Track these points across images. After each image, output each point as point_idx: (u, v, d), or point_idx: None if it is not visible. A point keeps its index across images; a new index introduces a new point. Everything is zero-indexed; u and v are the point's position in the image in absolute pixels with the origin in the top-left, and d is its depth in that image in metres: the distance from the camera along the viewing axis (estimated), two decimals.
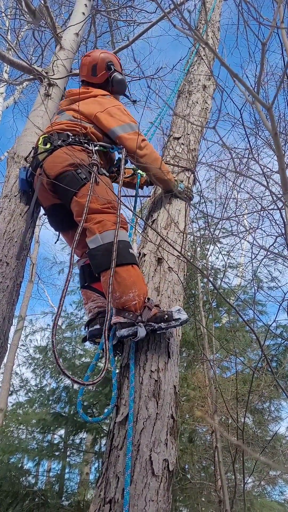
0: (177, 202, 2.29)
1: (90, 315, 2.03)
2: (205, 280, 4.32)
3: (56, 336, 1.50)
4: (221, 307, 5.49)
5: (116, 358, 1.79)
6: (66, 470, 5.88)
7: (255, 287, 4.62)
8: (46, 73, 2.99)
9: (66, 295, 1.56)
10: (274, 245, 2.21)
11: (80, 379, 1.46)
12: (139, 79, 3.93)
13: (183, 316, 1.71)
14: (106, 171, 2.12)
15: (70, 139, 2.05)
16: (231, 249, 5.63)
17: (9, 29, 8.05)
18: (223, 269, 5.19)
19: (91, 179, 1.89)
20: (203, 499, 4.49)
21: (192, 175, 2.49)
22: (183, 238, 2.18)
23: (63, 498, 5.45)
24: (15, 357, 8.11)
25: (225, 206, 2.46)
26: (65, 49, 3.23)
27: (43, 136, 2.11)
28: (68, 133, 2.08)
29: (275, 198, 1.52)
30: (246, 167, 2.32)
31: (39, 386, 6.81)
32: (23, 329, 8.54)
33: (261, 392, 4.14)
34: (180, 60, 3.44)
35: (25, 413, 6.31)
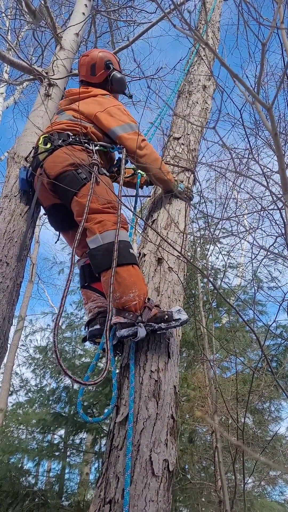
0: (177, 202, 2.29)
1: (90, 315, 2.03)
2: (205, 280, 4.32)
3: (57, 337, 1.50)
4: (221, 307, 5.49)
5: (116, 358, 1.79)
6: (66, 470, 5.88)
7: (255, 287, 4.62)
8: (46, 73, 2.99)
9: (66, 295, 1.56)
10: (274, 245, 2.21)
11: (80, 379, 1.46)
12: (139, 79, 3.93)
13: (183, 316, 1.71)
14: (107, 171, 2.12)
15: (71, 139, 2.05)
16: (231, 249, 5.63)
17: (9, 29, 8.06)
18: (223, 269, 5.19)
19: (92, 179, 1.89)
20: (203, 499, 4.49)
21: (192, 175, 2.49)
22: (183, 238, 2.18)
23: (63, 498, 5.45)
24: (15, 357, 8.12)
25: (225, 206, 2.46)
26: (65, 49, 3.23)
27: (44, 136, 2.11)
28: (69, 132, 2.08)
29: (275, 198, 1.52)
30: (246, 167, 2.32)
31: (39, 386, 6.81)
32: (23, 329, 8.54)
33: (261, 392, 4.14)
34: (180, 60, 3.44)
35: (25, 413, 6.30)
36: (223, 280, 5.15)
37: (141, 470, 1.41)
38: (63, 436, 5.84)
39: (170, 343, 1.75)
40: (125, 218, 1.94)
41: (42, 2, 3.28)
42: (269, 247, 2.12)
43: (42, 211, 2.32)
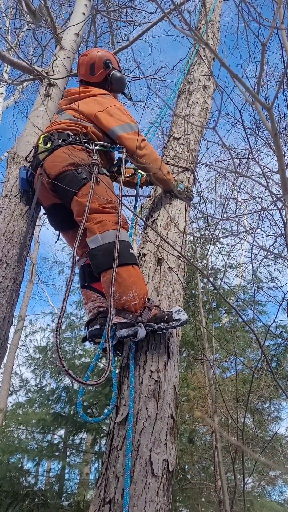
0: (177, 202, 2.29)
1: (90, 315, 2.03)
2: (205, 280, 4.32)
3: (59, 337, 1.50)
4: (221, 307, 5.49)
5: (116, 358, 1.79)
6: (66, 470, 5.88)
7: (255, 287, 4.62)
8: (46, 73, 2.99)
9: (68, 295, 1.56)
10: (274, 245, 2.21)
11: (81, 379, 1.45)
12: (139, 79, 3.93)
13: (183, 316, 1.70)
14: (107, 171, 2.12)
15: (71, 139, 2.05)
16: (231, 249, 5.63)
17: (9, 29, 8.06)
18: (223, 269, 5.19)
19: (92, 179, 1.89)
20: (203, 500, 4.49)
21: (192, 175, 2.49)
22: (183, 238, 2.18)
23: (63, 498, 5.45)
24: (15, 357, 8.12)
25: (225, 206, 2.46)
26: (65, 49, 3.23)
27: (44, 135, 2.10)
28: (69, 132, 2.08)
29: (275, 198, 1.52)
30: (246, 168, 2.32)
31: (39, 386, 6.81)
32: (23, 329, 8.54)
33: (261, 392, 4.14)
34: (180, 60, 3.44)
35: (25, 413, 6.30)
36: (223, 280, 5.15)
37: (141, 470, 1.41)
38: (63, 436, 5.84)
39: (170, 343, 1.75)
40: (125, 218, 1.94)
41: (42, 2, 3.28)
42: (269, 247, 2.12)
43: (42, 211, 2.32)
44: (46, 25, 3.50)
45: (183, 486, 4.28)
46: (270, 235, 2.12)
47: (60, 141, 2.03)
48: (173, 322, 1.67)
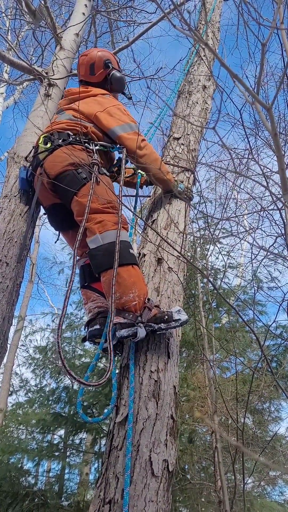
0: (177, 203, 2.29)
1: (90, 315, 2.03)
2: (205, 280, 4.32)
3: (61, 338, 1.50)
4: (221, 308, 5.48)
5: (116, 359, 1.79)
6: (66, 471, 5.88)
7: (255, 287, 4.62)
8: (46, 73, 2.99)
9: (69, 296, 1.56)
10: (274, 245, 2.21)
11: (82, 380, 1.45)
12: (139, 79, 3.93)
13: (183, 316, 1.70)
14: (107, 171, 2.12)
15: (71, 139, 2.05)
16: (231, 249, 5.63)
17: (9, 29, 8.06)
18: (223, 269, 5.19)
19: (92, 179, 1.89)
20: (203, 500, 4.49)
21: (192, 175, 2.49)
22: (183, 239, 2.18)
23: (62, 499, 5.45)
24: (15, 357, 8.11)
25: (225, 206, 2.46)
26: (65, 49, 3.23)
27: (44, 135, 2.10)
28: (69, 132, 2.08)
29: (275, 198, 1.52)
30: (246, 168, 2.33)
31: (39, 386, 6.81)
32: (23, 329, 8.54)
33: (261, 392, 4.14)
34: (180, 60, 3.43)
35: (25, 413, 6.30)
36: (223, 280, 5.15)
37: (141, 470, 1.40)
38: (63, 436, 5.84)
39: (169, 343, 1.75)
40: (125, 218, 1.94)
41: (42, 2, 3.28)
42: (269, 248, 2.12)
43: (42, 211, 2.32)
44: (46, 25, 3.50)
45: (183, 486, 4.28)
46: (270, 235, 2.13)
47: (60, 141, 2.03)
48: (173, 322, 1.67)
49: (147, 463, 1.42)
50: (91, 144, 2.09)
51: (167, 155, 2.55)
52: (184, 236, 2.19)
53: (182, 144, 2.58)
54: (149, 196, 2.64)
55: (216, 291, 4.45)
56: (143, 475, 1.40)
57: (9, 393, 7.66)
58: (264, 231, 2.14)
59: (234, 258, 6.41)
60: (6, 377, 7.70)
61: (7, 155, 2.53)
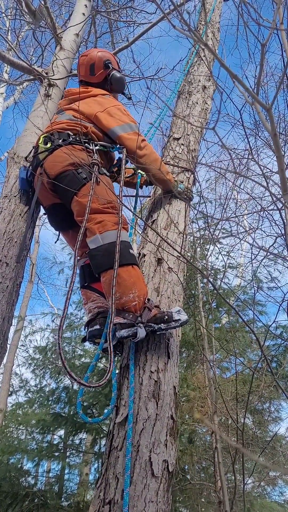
0: (177, 203, 2.29)
1: (90, 315, 2.03)
2: (205, 280, 4.32)
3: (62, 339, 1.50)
4: (221, 308, 5.48)
5: (116, 359, 1.79)
6: (66, 471, 5.88)
7: (255, 287, 4.62)
8: (46, 73, 2.99)
9: (70, 297, 1.56)
10: (274, 245, 2.21)
11: (82, 380, 1.45)
12: (139, 80, 3.93)
13: (183, 317, 1.70)
14: (107, 171, 2.12)
15: (71, 139, 2.05)
16: (231, 249, 5.63)
17: (9, 30, 8.06)
18: (223, 269, 5.19)
19: (92, 179, 1.89)
20: (203, 500, 4.48)
21: (192, 175, 2.49)
22: (183, 239, 2.18)
23: (62, 499, 5.45)
24: (15, 357, 8.11)
25: (225, 206, 2.46)
26: (65, 50, 3.23)
27: (44, 135, 2.10)
28: (69, 132, 2.08)
29: (274, 198, 1.52)
30: (246, 168, 2.33)
31: (38, 386, 6.80)
32: (22, 329, 8.54)
33: (261, 392, 4.14)
34: (180, 60, 3.43)
35: (25, 413, 6.30)
36: (223, 280, 5.15)
37: (141, 470, 1.40)
38: (62, 437, 5.84)
39: (169, 343, 1.75)
40: (125, 219, 1.94)
41: (42, 2, 3.28)
42: (269, 248, 2.12)
43: (42, 211, 2.32)
44: (46, 26, 3.50)
45: (183, 486, 4.28)
46: (270, 235, 2.13)
47: (60, 141, 2.03)
48: (173, 323, 1.67)
49: (147, 464, 1.42)
50: (91, 144, 2.09)
51: (167, 155, 2.55)
52: (184, 236, 2.19)
53: (182, 144, 2.58)
54: (149, 196, 2.64)
55: (216, 291, 4.45)
56: (143, 475, 1.40)
57: (9, 393, 7.66)
58: (264, 231, 2.14)
59: (234, 258, 6.41)
60: (6, 377, 7.70)
61: (7, 155, 2.53)
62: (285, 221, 1.65)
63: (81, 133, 2.07)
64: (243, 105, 1.86)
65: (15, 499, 4.53)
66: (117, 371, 1.75)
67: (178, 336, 1.88)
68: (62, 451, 5.63)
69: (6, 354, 2.85)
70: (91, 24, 4.30)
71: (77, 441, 5.90)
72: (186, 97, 2.91)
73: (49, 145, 2.04)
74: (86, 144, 2.06)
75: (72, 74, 3.17)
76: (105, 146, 2.16)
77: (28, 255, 2.29)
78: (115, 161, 2.36)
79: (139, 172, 2.57)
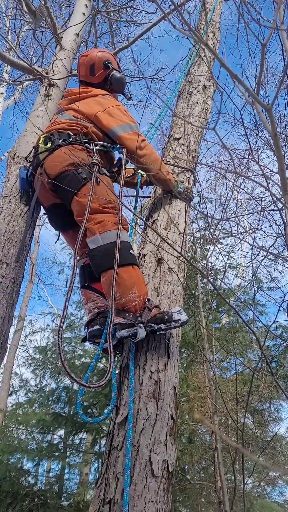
0: (177, 203, 2.29)
1: (90, 316, 2.03)
2: (205, 280, 4.32)
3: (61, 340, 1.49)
4: (221, 308, 5.48)
5: (116, 359, 1.79)
6: (66, 471, 5.88)
7: (255, 287, 4.62)
8: (47, 73, 2.99)
9: (69, 298, 1.56)
10: (274, 245, 2.21)
11: (82, 380, 1.45)
12: (139, 80, 3.93)
13: (183, 317, 1.70)
14: (107, 171, 2.12)
15: (71, 139, 2.05)
16: (231, 249, 5.63)
17: (9, 30, 8.06)
18: (223, 269, 5.18)
19: (92, 179, 1.89)
20: (203, 500, 4.49)
21: (192, 175, 2.49)
22: (183, 239, 2.18)
23: (62, 499, 5.45)
24: (15, 357, 8.11)
25: (225, 206, 2.46)
26: (65, 50, 3.23)
27: (44, 135, 2.10)
28: (69, 132, 2.08)
29: (275, 199, 1.52)
30: (246, 168, 2.33)
31: (38, 386, 6.80)
32: (23, 329, 8.53)
33: (261, 392, 4.14)
34: (181, 60, 3.43)
35: (25, 413, 6.30)
36: (223, 280, 5.15)
37: (141, 470, 1.40)
38: (62, 436, 5.84)
39: (169, 343, 1.75)
40: (125, 219, 1.94)
41: (42, 2, 3.28)
42: (269, 248, 2.12)
43: (42, 211, 2.32)
44: (46, 25, 3.50)
45: (183, 486, 4.28)
46: (270, 236, 2.13)
47: (60, 141, 2.03)
48: (173, 323, 1.67)
49: (147, 464, 1.42)
50: (91, 144, 2.09)
51: (167, 155, 2.55)
52: (184, 236, 2.19)
53: (182, 144, 2.58)
54: (149, 197, 2.64)
55: (216, 292, 4.45)
56: (143, 475, 1.40)
57: (9, 393, 7.65)
58: (264, 232, 2.14)
59: (234, 259, 6.41)
60: (6, 377, 7.69)
61: (7, 155, 2.53)
62: (285, 221, 1.65)
63: (81, 133, 2.07)
64: (243, 105, 1.86)
65: (15, 498, 4.54)
66: (117, 371, 1.75)
67: (178, 336, 1.88)
68: (62, 451, 5.63)
69: (6, 354, 2.85)
70: (91, 24, 4.30)
71: (77, 441, 5.91)
72: (187, 97, 2.91)
73: (49, 145, 2.04)
74: (86, 144, 2.06)
75: (72, 74, 3.17)
76: (105, 146, 2.16)
77: (28, 255, 2.29)
78: (115, 161, 2.36)
79: (139, 172, 2.56)
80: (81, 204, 1.87)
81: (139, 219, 2.46)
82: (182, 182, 2.36)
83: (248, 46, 2.01)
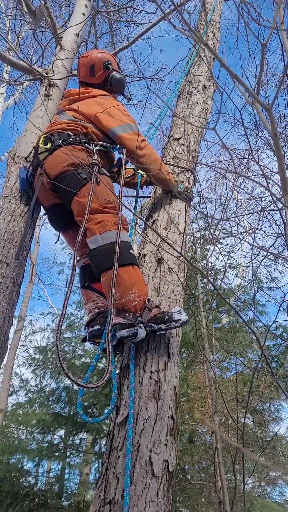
0: (177, 203, 2.29)
1: (90, 316, 2.03)
2: (205, 280, 4.32)
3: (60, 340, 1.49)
4: (221, 308, 5.48)
5: (116, 359, 1.79)
6: (66, 471, 5.88)
7: (255, 287, 4.62)
8: (47, 73, 2.99)
9: (68, 298, 1.55)
10: (274, 245, 2.21)
11: (80, 379, 1.45)
12: (139, 80, 3.93)
13: (183, 317, 1.70)
14: (107, 171, 2.12)
15: (71, 139, 2.05)
16: (231, 249, 5.63)
17: (9, 30, 8.06)
18: (223, 269, 5.18)
19: (92, 179, 1.89)
20: (203, 500, 4.49)
21: (192, 175, 2.49)
22: (183, 239, 2.18)
23: (63, 499, 5.45)
24: (15, 357, 8.11)
25: (225, 206, 2.46)
26: (65, 50, 3.23)
27: (44, 135, 2.11)
28: (69, 132, 2.08)
29: (275, 199, 1.52)
30: (246, 168, 2.33)
31: (39, 386, 6.80)
32: (23, 329, 8.54)
33: (261, 392, 4.14)
34: (181, 60, 3.43)
35: (25, 413, 6.30)
36: (223, 280, 5.15)
37: (141, 470, 1.41)
38: (63, 437, 5.84)
39: (170, 343, 1.75)
40: (125, 219, 1.94)
41: (42, 2, 3.28)
42: (269, 248, 2.12)
43: (42, 211, 2.32)
44: (46, 26, 3.50)
45: (183, 486, 4.28)
46: (270, 236, 2.13)
47: (60, 141, 2.03)
48: (173, 323, 1.67)
49: (148, 464, 1.42)
50: (91, 144, 2.09)
51: (167, 155, 2.55)
52: (184, 236, 2.19)
53: (182, 144, 2.58)
54: (149, 197, 2.64)
55: (216, 292, 4.45)
56: (144, 475, 1.40)
57: (9, 393, 7.65)
58: (264, 232, 2.14)
59: (234, 259, 6.41)
60: (6, 377, 7.69)
61: (8, 155, 2.53)
62: (285, 221, 1.64)
63: (81, 134, 2.08)
64: (243, 105, 1.86)
65: (16, 499, 4.54)
66: (117, 371, 1.75)
67: (179, 336, 1.88)
68: (62, 451, 5.63)
69: (7, 354, 2.85)
70: (91, 24, 4.31)
71: (77, 441, 5.91)
72: (187, 97, 2.91)
73: (49, 145, 2.04)
74: (86, 144, 2.07)
75: (72, 74, 3.17)
76: (105, 147, 2.16)
77: (28, 255, 2.29)
78: (115, 162, 2.36)
79: (139, 172, 2.56)
80: (81, 204, 1.87)
81: (139, 219, 2.46)
82: (182, 182, 2.36)
83: (248, 46, 2.01)
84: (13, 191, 2.28)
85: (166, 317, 1.67)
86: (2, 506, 4.47)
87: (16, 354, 8.15)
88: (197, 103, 2.87)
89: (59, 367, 5.98)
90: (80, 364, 5.81)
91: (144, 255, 2.07)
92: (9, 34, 8.08)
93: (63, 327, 6.61)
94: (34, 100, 3.04)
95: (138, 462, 1.42)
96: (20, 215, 2.21)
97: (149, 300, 1.74)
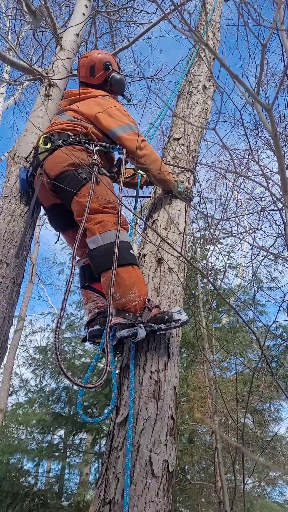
0: (177, 203, 2.29)
1: (90, 316, 2.03)
2: (205, 280, 4.32)
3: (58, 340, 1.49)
4: (221, 308, 5.48)
5: (116, 359, 1.79)
6: (66, 471, 5.88)
7: (255, 287, 4.62)
8: (47, 73, 2.99)
9: (67, 298, 1.56)
10: (274, 245, 2.21)
11: (80, 380, 1.45)
12: (139, 80, 3.93)
13: (183, 317, 1.71)
14: (107, 171, 2.12)
15: (71, 139, 2.05)
16: (231, 249, 5.63)
17: (9, 30, 8.06)
18: (223, 269, 5.18)
19: (92, 179, 1.89)
20: (203, 500, 4.49)
21: (192, 175, 2.49)
22: (183, 239, 2.18)
23: (62, 499, 5.45)
24: (15, 357, 8.11)
25: (225, 206, 2.46)
26: (65, 50, 3.23)
27: (44, 136, 2.11)
28: (69, 133, 2.08)
29: (275, 199, 1.52)
30: (246, 168, 2.33)
31: (39, 386, 6.81)
32: (23, 329, 8.54)
33: (261, 392, 4.14)
34: (181, 60, 3.43)
35: (25, 413, 6.30)
36: (223, 280, 5.15)
37: (141, 470, 1.41)
38: (63, 437, 5.84)
39: (170, 343, 1.75)
40: (125, 219, 1.94)
41: (42, 2, 3.28)
42: (269, 248, 2.13)
43: (42, 211, 2.32)
44: (47, 26, 3.50)
45: (183, 486, 4.28)
46: (270, 236, 2.13)
47: (60, 141, 2.03)
48: (173, 323, 1.67)
49: (147, 464, 1.42)
50: (91, 144, 2.09)
51: (167, 156, 2.55)
52: (184, 236, 2.19)
53: (182, 144, 2.58)
54: (149, 197, 2.64)
55: (216, 292, 4.45)
56: (143, 475, 1.40)
57: (9, 393, 7.65)
58: (264, 232, 2.14)
59: (234, 259, 6.41)
60: (6, 377, 7.69)
61: (8, 155, 2.53)
62: (285, 221, 1.65)
63: (81, 134, 2.08)
64: (243, 105, 1.86)
65: (15, 499, 4.54)
66: (117, 371, 1.75)
67: (178, 336, 1.88)
68: (62, 451, 5.63)
69: (6, 354, 2.85)
70: (91, 24, 4.30)
71: (77, 441, 5.91)
72: (187, 97, 2.91)
73: (49, 145, 2.04)
74: (86, 144, 2.07)
75: (73, 74, 3.17)
76: (105, 147, 2.16)
77: (28, 255, 2.29)
78: (115, 162, 2.36)
79: (139, 173, 2.56)
80: (81, 204, 1.87)
81: (139, 219, 2.46)
82: (182, 182, 2.36)
83: (248, 46, 2.01)
84: (13, 191, 2.28)
85: (166, 317, 1.67)
86: (2, 506, 4.47)
87: (16, 354, 8.15)
88: (197, 103, 2.87)
89: (60, 369, 5.97)
90: (80, 364, 5.81)
91: (144, 255, 2.07)
92: (9, 34, 8.08)
93: (63, 327, 6.63)
94: (34, 100, 3.04)
95: (138, 462, 1.42)
96: (20, 215, 2.21)
97: (149, 300, 1.74)
